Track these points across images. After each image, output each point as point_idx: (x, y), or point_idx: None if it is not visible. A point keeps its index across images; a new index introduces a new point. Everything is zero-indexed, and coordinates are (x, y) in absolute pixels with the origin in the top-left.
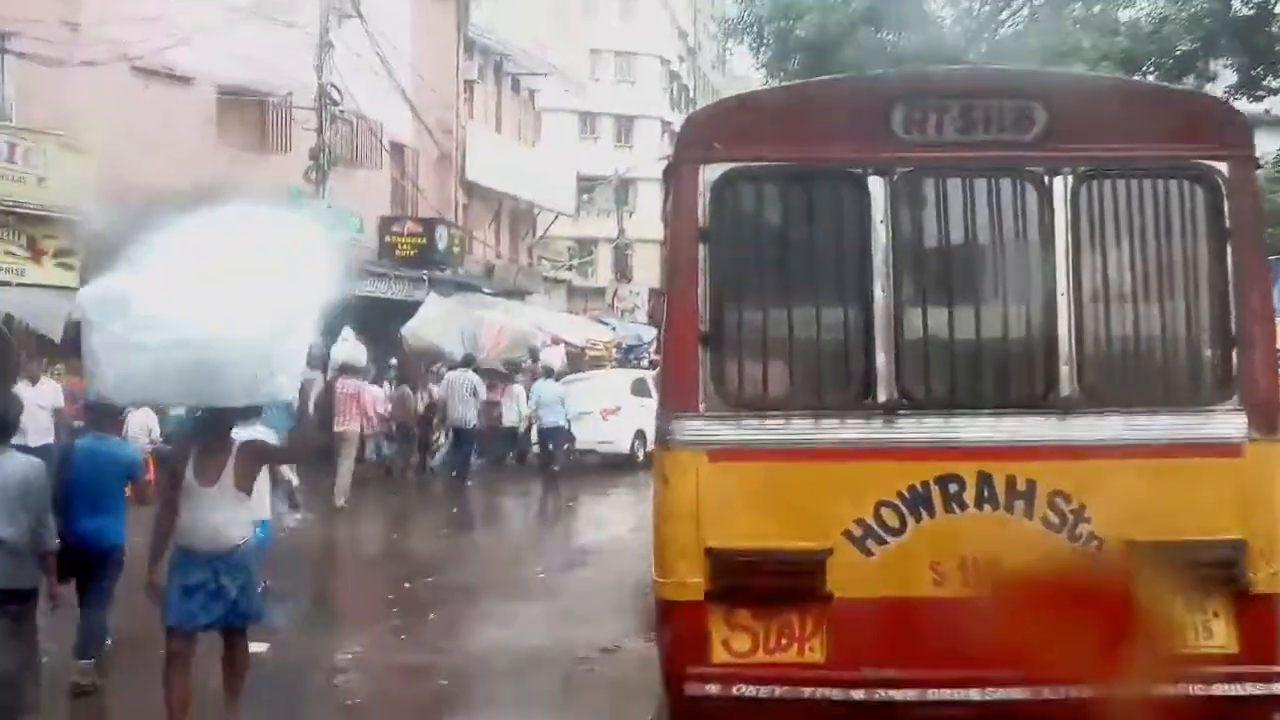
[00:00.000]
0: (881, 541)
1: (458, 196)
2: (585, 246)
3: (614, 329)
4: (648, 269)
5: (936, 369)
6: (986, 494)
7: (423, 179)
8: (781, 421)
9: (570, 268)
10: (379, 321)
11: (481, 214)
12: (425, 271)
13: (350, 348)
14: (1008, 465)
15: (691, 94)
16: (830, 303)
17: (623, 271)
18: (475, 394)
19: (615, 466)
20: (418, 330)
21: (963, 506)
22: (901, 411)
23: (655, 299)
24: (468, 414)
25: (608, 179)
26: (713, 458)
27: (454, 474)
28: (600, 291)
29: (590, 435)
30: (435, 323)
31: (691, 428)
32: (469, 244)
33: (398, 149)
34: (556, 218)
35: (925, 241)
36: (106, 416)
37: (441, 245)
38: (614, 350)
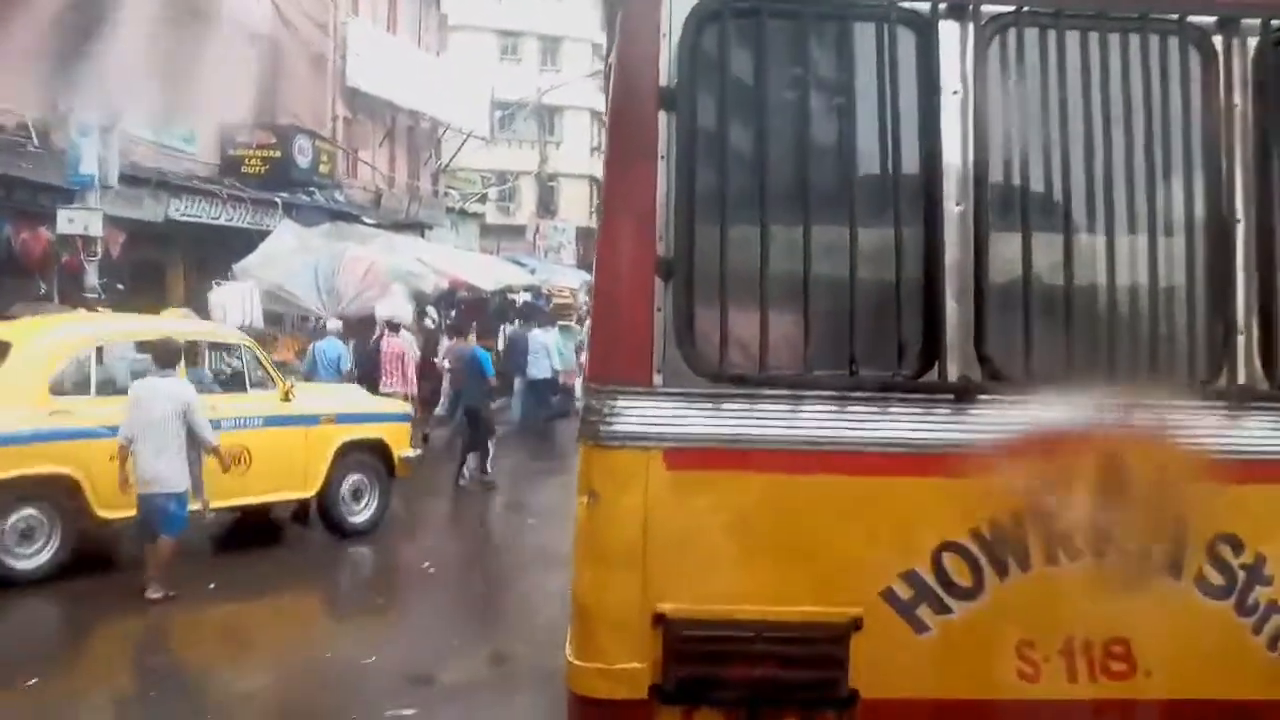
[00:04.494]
0: (943, 609)
1: (336, 107)
2: (504, 179)
3: (533, 271)
4: (575, 207)
5: (1039, 331)
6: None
7: (288, 83)
8: (788, 406)
9: (483, 198)
10: (218, 255)
11: (370, 131)
12: (280, 195)
13: (398, 302)
14: None
15: None
16: (871, 219)
17: (547, 207)
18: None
19: None
20: (256, 268)
21: (1073, 556)
22: (983, 396)
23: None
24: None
25: (529, 102)
26: (671, 462)
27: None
28: (520, 230)
29: None
30: (280, 259)
31: (639, 412)
32: (351, 165)
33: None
34: (466, 140)
35: (1026, 129)
36: None
37: (303, 162)
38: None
